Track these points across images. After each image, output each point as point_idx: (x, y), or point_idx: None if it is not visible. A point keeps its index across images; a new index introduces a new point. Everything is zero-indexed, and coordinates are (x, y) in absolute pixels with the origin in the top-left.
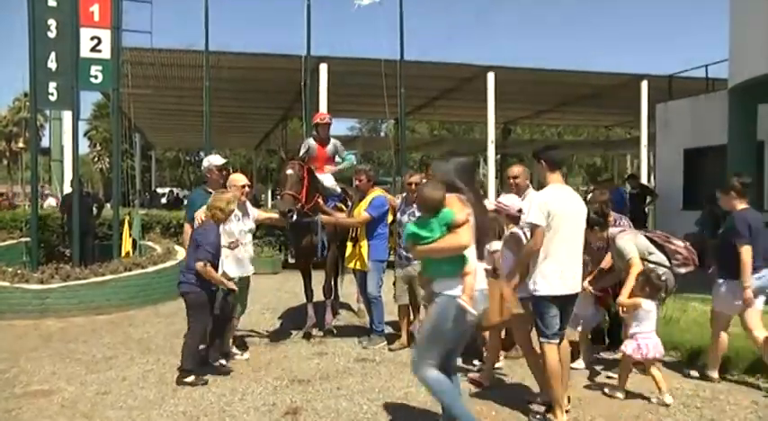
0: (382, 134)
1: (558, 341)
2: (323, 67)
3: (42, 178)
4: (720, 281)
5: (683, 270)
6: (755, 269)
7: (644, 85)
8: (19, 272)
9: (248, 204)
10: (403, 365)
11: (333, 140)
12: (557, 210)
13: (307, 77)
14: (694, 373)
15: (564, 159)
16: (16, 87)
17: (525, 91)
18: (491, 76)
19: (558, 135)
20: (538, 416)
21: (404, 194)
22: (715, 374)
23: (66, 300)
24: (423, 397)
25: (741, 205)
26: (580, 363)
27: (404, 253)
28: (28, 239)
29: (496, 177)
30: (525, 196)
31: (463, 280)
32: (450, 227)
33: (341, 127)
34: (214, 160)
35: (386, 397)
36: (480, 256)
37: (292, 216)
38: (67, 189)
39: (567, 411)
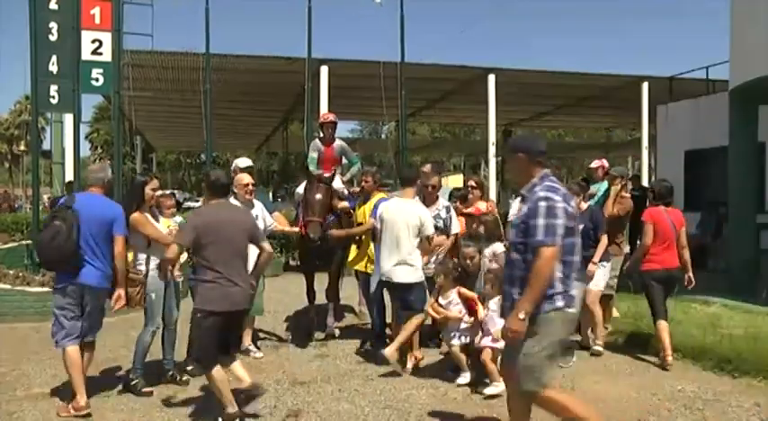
0: (383, 136)
1: None
2: (324, 70)
3: (43, 181)
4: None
5: None
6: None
7: (645, 86)
8: (20, 275)
9: (258, 205)
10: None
11: (338, 141)
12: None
13: (308, 80)
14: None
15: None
16: (18, 90)
17: (526, 93)
18: (492, 78)
19: (558, 137)
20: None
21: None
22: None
23: None
24: (424, 399)
25: (585, 205)
26: (466, 377)
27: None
28: (29, 242)
29: (497, 179)
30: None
31: None
32: None
33: (341, 129)
34: (239, 162)
35: (387, 399)
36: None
37: (318, 242)
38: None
39: None
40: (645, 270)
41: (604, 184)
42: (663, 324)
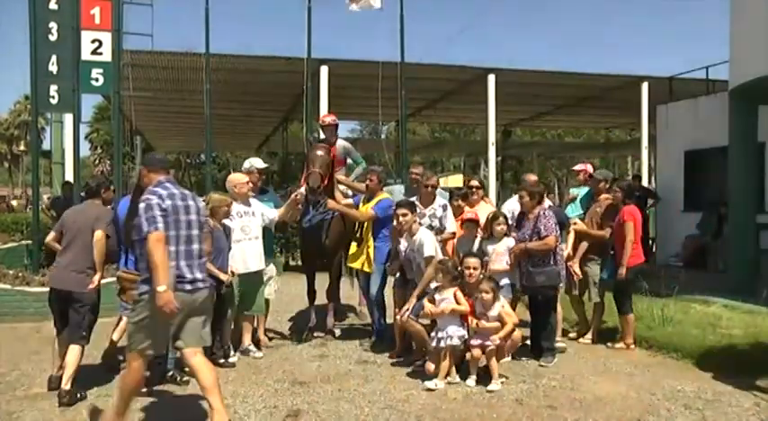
0: (383, 137)
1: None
2: (323, 70)
3: (43, 181)
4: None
5: None
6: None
7: (644, 86)
8: (20, 274)
9: (257, 203)
10: (405, 368)
11: (341, 142)
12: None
13: (308, 80)
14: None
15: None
16: (17, 90)
17: (526, 93)
18: (492, 78)
19: (558, 137)
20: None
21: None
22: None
23: None
24: (424, 399)
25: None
26: (436, 384)
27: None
28: (29, 242)
29: (497, 179)
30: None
31: None
32: None
33: (341, 129)
34: (256, 163)
35: (387, 399)
36: None
37: (320, 192)
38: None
39: None
40: (629, 266)
41: (584, 189)
42: (631, 317)
